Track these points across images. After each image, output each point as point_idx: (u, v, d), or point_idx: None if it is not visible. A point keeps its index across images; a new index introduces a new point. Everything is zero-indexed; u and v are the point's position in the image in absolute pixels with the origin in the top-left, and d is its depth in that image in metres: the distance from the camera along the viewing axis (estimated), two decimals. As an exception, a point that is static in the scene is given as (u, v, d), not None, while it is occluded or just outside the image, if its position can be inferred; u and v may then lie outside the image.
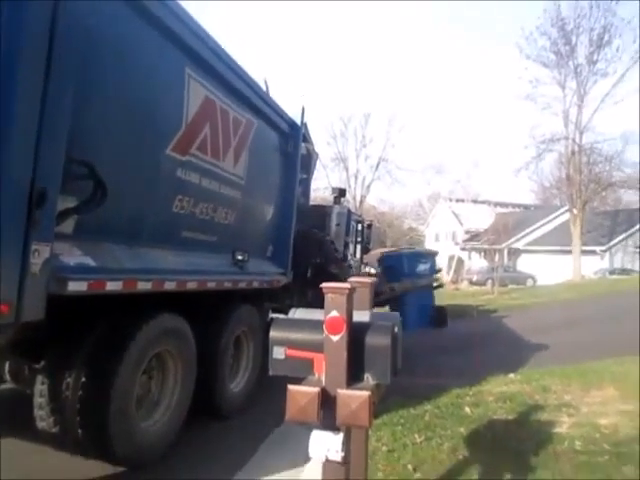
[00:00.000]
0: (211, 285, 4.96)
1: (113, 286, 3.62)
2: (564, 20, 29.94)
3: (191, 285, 4.60)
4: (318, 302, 2.58)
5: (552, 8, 29.92)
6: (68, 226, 3.34)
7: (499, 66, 77.23)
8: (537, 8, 48.24)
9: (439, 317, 9.53)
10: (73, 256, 3.37)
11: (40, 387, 3.75)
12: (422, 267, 9.02)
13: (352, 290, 2.31)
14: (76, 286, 3.28)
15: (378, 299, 8.98)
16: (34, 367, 3.82)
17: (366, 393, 2.14)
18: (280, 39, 74.31)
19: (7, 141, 2.72)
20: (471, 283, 34.40)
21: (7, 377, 4.04)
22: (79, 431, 3.67)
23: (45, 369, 3.76)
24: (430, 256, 9.44)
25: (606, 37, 29.50)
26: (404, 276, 8.83)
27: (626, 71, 29.49)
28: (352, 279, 3.00)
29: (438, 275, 8.97)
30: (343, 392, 2.17)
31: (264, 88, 6.55)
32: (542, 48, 30.64)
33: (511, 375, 7.38)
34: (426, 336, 11.23)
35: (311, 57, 74.36)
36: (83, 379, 3.66)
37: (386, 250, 10.22)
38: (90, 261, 3.47)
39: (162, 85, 4.11)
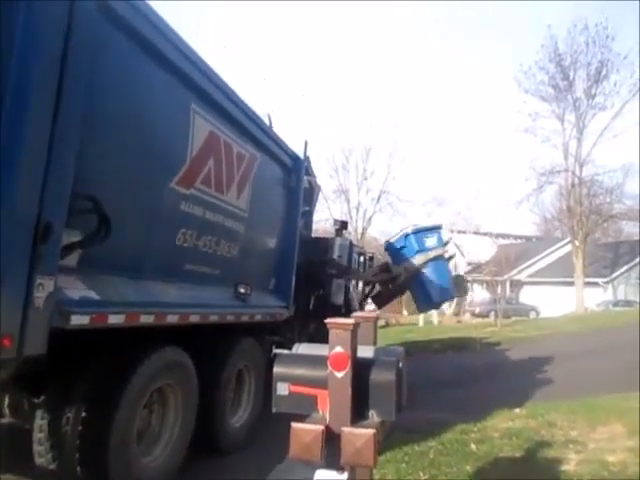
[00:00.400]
0: (213, 318, 4.95)
1: (115, 319, 3.61)
2: (561, 56, 30.62)
3: (193, 318, 4.59)
4: (320, 335, 2.57)
5: (550, 44, 30.61)
6: (72, 259, 3.35)
7: (498, 100, 78.43)
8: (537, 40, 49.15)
9: (460, 285, 9.34)
10: (76, 289, 3.37)
11: (40, 422, 3.71)
12: (430, 241, 8.79)
13: (356, 325, 2.31)
14: (79, 320, 3.27)
15: (395, 284, 8.79)
16: (34, 401, 3.78)
17: (371, 431, 2.11)
18: (283, 72, 75.73)
19: (15, 175, 2.76)
20: (474, 315, 34.16)
21: (6, 411, 3.99)
22: (78, 468, 3.61)
23: (45, 404, 3.72)
24: (435, 229, 9.18)
25: (603, 72, 30.11)
26: (415, 253, 8.63)
27: (624, 104, 29.99)
28: (356, 314, 2.99)
29: (447, 246, 8.71)
30: (348, 430, 2.14)
31: (267, 123, 6.65)
32: (540, 82, 31.26)
33: (516, 410, 7.27)
34: (429, 369, 11.14)
35: (313, 91, 75.61)
36: (83, 414, 3.62)
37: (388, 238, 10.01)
38: (93, 294, 3.47)
39: (168, 120, 4.18)
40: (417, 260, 8.49)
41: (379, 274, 9.00)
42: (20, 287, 2.82)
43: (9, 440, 4.16)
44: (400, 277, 8.62)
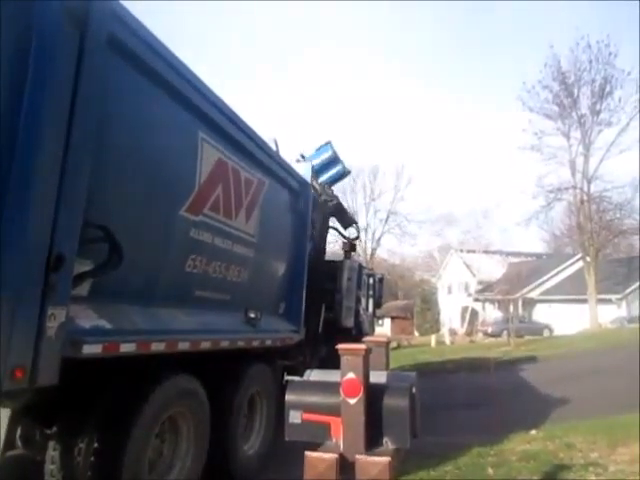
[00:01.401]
0: (224, 344, 4.92)
1: (127, 348, 3.60)
2: (565, 74, 30.69)
3: (204, 345, 4.57)
4: (332, 358, 2.54)
5: (553, 62, 30.73)
6: (83, 289, 3.37)
7: (504, 118, 78.73)
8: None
9: None
10: (88, 319, 3.38)
11: (52, 453, 3.69)
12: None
13: (368, 351, 2.29)
14: (91, 349, 3.26)
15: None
16: (46, 432, 3.76)
17: (386, 459, 2.08)
18: (290, 95, 76.70)
19: (27, 208, 2.79)
20: (486, 335, 33.79)
21: (18, 443, 3.96)
22: (90, 501, 3.56)
23: (57, 434, 3.70)
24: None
25: (607, 88, 30.11)
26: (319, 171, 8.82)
27: (630, 120, 29.87)
28: (367, 338, 2.97)
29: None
30: (362, 458, 2.11)
31: (274, 148, 6.71)
32: (545, 100, 31.27)
33: (533, 431, 7.14)
34: (444, 391, 10.98)
35: (319, 114, 76.48)
36: (95, 445, 3.60)
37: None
38: (105, 323, 3.48)
39: (177, 149, 4.23)
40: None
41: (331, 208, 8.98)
42: (32, 318, 2.82)
43: (21, 472, 4.14)
44: (325, 193, 8.57)
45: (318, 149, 9.11)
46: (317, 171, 8.44)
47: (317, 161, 8.70)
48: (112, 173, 3.54)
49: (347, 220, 10.31)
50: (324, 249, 9.00)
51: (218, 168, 4.77)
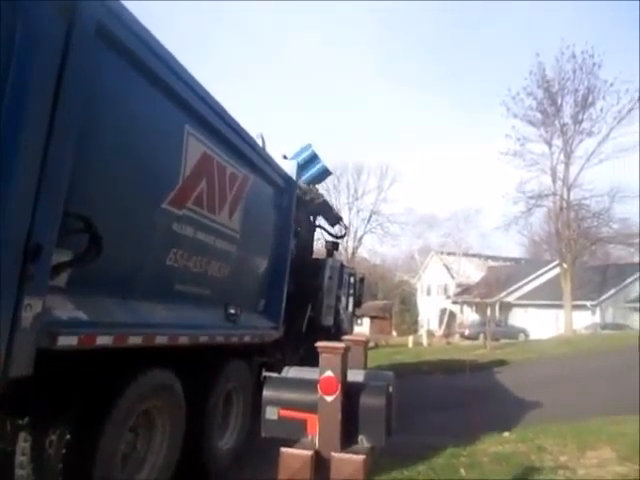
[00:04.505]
0: (203, 339, 4.91)
1: (103, 341, 3.56)
2: (549, 82, 31.12)
3: (182, 340, 4.54)
4: (310, 356, 2.55)
5: (538, 70, 31.13)
6: (61, 280, 3.32)
7: (488, 124, 79.57)
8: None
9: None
10: (65, 310, 3.33)
11: (22, 445, 3.62)
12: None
13: (347, 350, 2.30)
14: (66, 341, 3.22)
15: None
16: (18, 423, 3.70)
17: (361, 457, 2.10)
18: (276, 92, 76.49)
19: (6, 198, 2.73)
20: (463, 337, 34.16)
21: (-12, 433, 3.90)
22: (61, 493, 3.52)
23: (29, 425, 3.64)
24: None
25: (590, 98, 30.61)
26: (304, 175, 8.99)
27: (610, 131, 30.40)
28: (346, 337, 2.99)
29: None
30: (337, 456, 2.13)
31: (260, 144, 6.69)
32: (529, 107, 31.66)
33: (506, 434, 7.24)
34: (419, 392, 11.07)
35: (305, 111, 76.39)
36: (68, 437, 3.55)
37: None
38: (82, 315, 3.43)
39: (162, 141, 4.19)
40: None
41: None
42: (7, 308, 2.77)
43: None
44: (310, 191, 8.85)
45: (299, 150, 9.20)
46: (300, 169, 8.55)
47: (299, 160, 8.80)
48: (95, 164, 3.49)
49: (333, 218, 10.38)
50: (311, 247, 9.01)
51: (203, 162, 4.74)
